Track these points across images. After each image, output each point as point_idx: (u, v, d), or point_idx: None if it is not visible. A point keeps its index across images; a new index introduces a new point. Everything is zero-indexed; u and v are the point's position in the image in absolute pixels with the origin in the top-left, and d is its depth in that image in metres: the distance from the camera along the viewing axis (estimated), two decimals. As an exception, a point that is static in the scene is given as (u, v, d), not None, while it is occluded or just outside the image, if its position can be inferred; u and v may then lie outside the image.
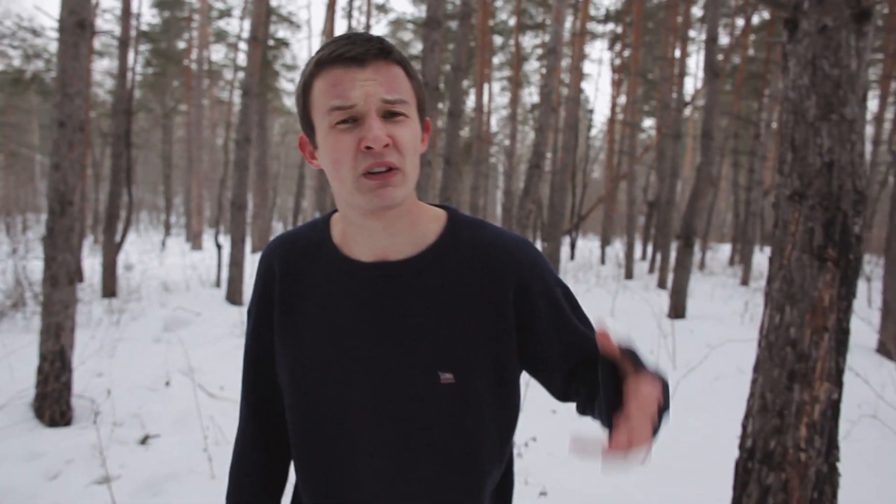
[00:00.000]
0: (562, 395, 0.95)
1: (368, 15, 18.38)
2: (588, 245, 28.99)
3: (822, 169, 2.09)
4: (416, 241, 0.89)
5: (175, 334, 6.27)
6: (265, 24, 13.03)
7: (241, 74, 18.29)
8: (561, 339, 0.90)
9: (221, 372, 4.97)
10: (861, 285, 11.05)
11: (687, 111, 20.02)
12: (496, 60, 22.74)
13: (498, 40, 21.72)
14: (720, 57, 10.22)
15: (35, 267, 7.37)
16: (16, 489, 2.87)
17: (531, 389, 3.57)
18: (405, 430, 0.88)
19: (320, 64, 0.80)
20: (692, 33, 18.69)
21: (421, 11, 20.64)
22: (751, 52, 18.47)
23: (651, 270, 16.49)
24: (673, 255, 11.44)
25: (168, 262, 14.23)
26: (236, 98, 21.37)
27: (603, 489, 3.11)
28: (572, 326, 0.91)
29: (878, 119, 16.51)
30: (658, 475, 3.33)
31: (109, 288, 8.68)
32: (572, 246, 19.28)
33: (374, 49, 0.79)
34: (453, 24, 16.24)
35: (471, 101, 19.25)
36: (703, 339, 6.78)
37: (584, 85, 21.19)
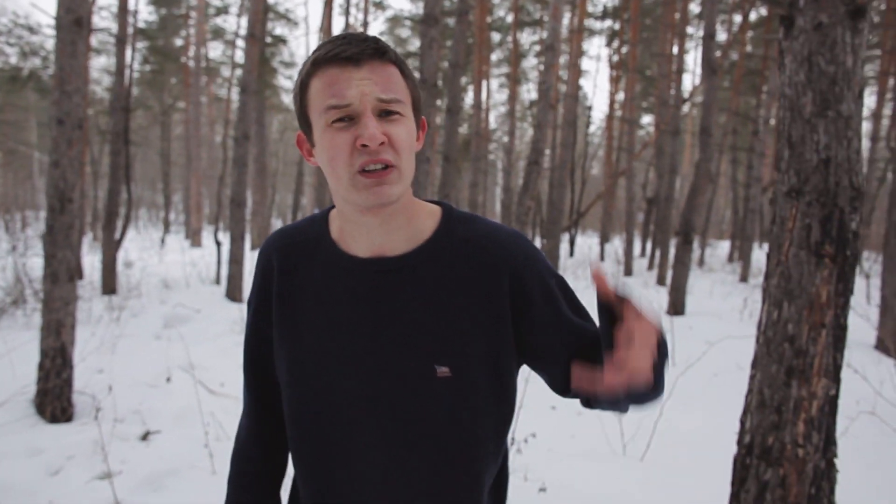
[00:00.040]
0: (563, 388, 0.96)
1: (366, 12, 18.35)
2: (587, 242, 29.01)
3: (818, 165, 2.10)
4: (412, 237, 0.91)
5: (175, 331, 6.28)
6: (262, 21, 13.01)
7: (238, 71, 18.27)
8: (557, 329, 0.91)
9: (222, 369, 4.98)
10: (860, 282, 11.08)
11: (685, 108, 20.04)
12: (494, 57, 22.71)
13: (496, 37, 21.69)
14: (718, 53, 10.23)
15: (35, 264, 7.38)
16: (17, 485, 2.89)
17: (531, 386, 3.59)
18: (402, 422, 0.90)
19: (317, 63, 0.82)
20: (690, 30, 18.67)
21: (418, 8, 20.60)
22: (748, 48, 18.46)
23: (650, 267, 16.51)
24: (672, 251, 11.45)
25: (167, 260, 14.24)
26: (234, 95, 21.36)
27: (602, 484, 3.12)
28: (568, 316, 0.92)
29: (876, 115, 16.53)
30: (656, 470, 3.35)
31: (109, 285, 8.68)
32: (571, 243, 19.29)
33: (369, 49, 0.81)
34: (451, 21, 16.21)
35: (469, 98, 19.25)
36: (701, 335, 6.80)
37: (582, 81, 21.20)
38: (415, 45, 21.91)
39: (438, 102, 8.93)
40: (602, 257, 19.01)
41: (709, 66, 8.80)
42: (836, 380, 2.17)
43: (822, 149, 2.09)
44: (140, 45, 18.95)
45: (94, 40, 16.77)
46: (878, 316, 6.86)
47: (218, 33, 23.10)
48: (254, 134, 14.57)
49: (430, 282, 0.89)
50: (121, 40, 9.13)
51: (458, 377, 0.88)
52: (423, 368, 0.88)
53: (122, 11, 9.18)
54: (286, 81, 22.30)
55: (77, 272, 3.90)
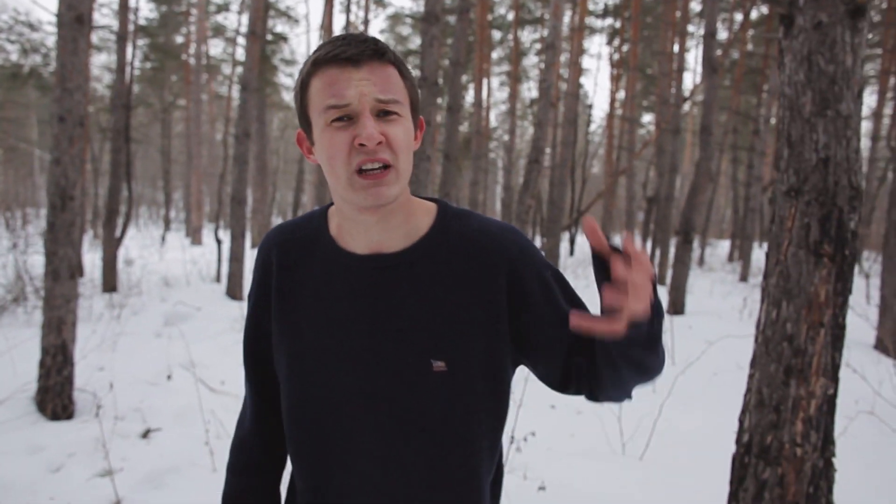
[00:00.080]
0: (561, 383, 0.96)
1: (367, 9, 18.33)
2: (587, 241, 28.98)
3: (817, 165, 2.10)
4: (409, 234, 0.92)
5: (176, 329, 6.29)
6: (263, 18, 13.01)
7: (239, 69, 18.26)
8: (554, 319, 0.92)
9: (222, 367, 4.99)
10: (859, 282, 11.09)
11: (686, 106, 20.02)
12: (495, 55, 22.71)
13: (496, 35, 21.68)
14: (719, 52, 10.22)
15: (35, 261, 7.39)
16: (18, 482, 2.90)
17: (531, 385, 3.59)
18: (398, 416, 0.91)
19: (317, 64, 0.83)
20: (691, 28, 18.67)
21: (419, 6, 20.59)
22: (749, 47, 18.46)
23: (650, 266, 16.46)
24: (672, 250, 11.46)
25: (168, 257, 14.24)
26: (235, 93, 21.35)
27: (601, 483, 3.13)
28: (565, 307, 0.93)
29: (877, 115, 16.52)
30: (656, 469, 3.36)
31: (110, 283, 8.69)
32: (572, 241, 19.30)
33: (368, 50, 0.82)
34: (452, 19, 16.20)
35: (470, 96, 19.24)
36: (701, 334, 6.81)
37: (582, 80, 21.18)
38: (415, 42, 21.90)
39: (439, 100, 8.92)
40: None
41: (709, 64, 8.80)
42: (835, 379, 2.18)
43: (821, 148, 2.10)
44: (141, 42, 18.96)
45: (94, 37, 16.77)
46: (877, 316, 6.87)
47: (219, 30, 23.09)
48: (254, 132, 14.58)
49: (427, 278, 0.90)
50: (122, 37, 9.12)
51: (454, 371, 0.90)
52: (419, 363, 0.89)
53: (123, 8, 9.18)
54: (287, 79, 22.32)
55: (78, 270, 3.91)
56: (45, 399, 3.80)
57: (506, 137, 23.79)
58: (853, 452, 3.43)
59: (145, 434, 3.62)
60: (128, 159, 9.32)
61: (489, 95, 21.35)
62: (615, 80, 19.72)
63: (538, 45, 21.71)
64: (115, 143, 9.20)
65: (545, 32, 19.87)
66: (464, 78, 15.85)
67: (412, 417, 0.91)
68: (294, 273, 0.96)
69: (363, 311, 0.91)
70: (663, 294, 9.97)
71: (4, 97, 21.21)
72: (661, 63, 15.47)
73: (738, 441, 2.35)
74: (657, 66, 17.22)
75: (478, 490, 0.96)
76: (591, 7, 19.44)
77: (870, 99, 16.97)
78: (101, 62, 22.21)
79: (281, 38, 19.84)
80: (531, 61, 23.11)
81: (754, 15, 16.97)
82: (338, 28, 19.12)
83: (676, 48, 15.38)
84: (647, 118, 25.48)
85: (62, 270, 3.81)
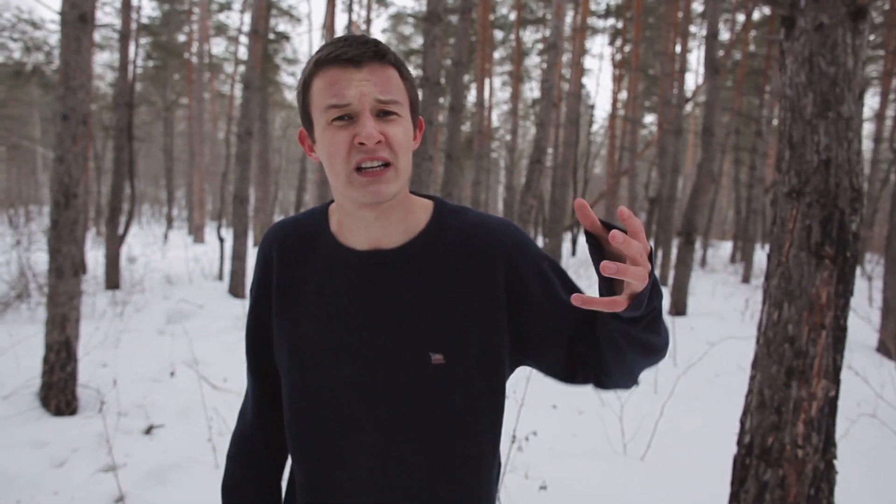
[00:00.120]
0: (568, 372, 0.96)
1: (369, 8, 18.34)
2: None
3: (819, 166, 2.11)
4: (407, 230, 0.94)
5: (178, 326, 6.31)
6: (266, 17, 13.01)
7: (241, 68, 18.27)
8: (554, 309, 0.93)
9: (224, 364, 5.01)
10: (862, 284, 11.08)
11: (688, 107, 20.01)
12: (497, 55, 22.71)
13: (499, 35, 21.68)
14: (721, 53, 10.21)
15: (39, 258, 7.41)
16: (22, 476, 2.92)
17: (532, 384, 3.61)
18: (397, 408, 0.92)
19: (319, 64, 0.86)
20: (693, 29, 18.66)
21: (421, 5, 20.60)
22: (752, 48, 18.43)
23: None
24: (674, 251, 11.46)
25: (170, 255, 14.26)
26: (237, 92, 21.36)
27: (602, 483, 3.14)
28: (564, 297, 0.95)
29: (879, 116, 16.49)
30: (657, 469, 3.37)
31: (113, 280, 8.71)
32: (573, 242, 19.29)
33: (370, 51, 0.84)
34: (454, 19, 16.21)
35: (472, 96, 19.25)
36: (703, 336, 6.81)
37: (584, 80, 21.17)
38: (417, 42, 21.91)
39: (441, 100, 8.93)
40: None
41: (712, 65, 8.80)
42: (836, 381, 2.18)
43: (822, 150, 2.11)
44: (143, 40, 18.96)
45: (97, 36, 16.81)
46: (879, 318, 6.87)
47: (221, 29, 23.11)
48: (257, 130, 14.60)
49: (425, 272, 0.92)
50: (124, 36, 9.15)
51: (452, 364, 0.91)
52: (417, 356, 0.91)
53: (126, 7, 9.20)
54: (289, 78, 22.34)
55: (81, 267, 3.93)
56: (48, 395, 3.82)
57: (508, 137, 23.79)
58: (855, 455, 3.44)
59: (148, 430, 3.63)
60: (130, 157, 9.34)
61: (491, 95, 21.35)
62: (617, 80, 19.72)
63: (540, 45, 21.71)
64: (118, 142, 9.22)
65: (547, 32, 19.87)
66: (466, 78, 15.87)
67: (411, 410, 0.92)
68: (295, 268, 0.98)
69: (363, 306, 0.93)
70: (665, 295, 9.97)
71: (7, 95, 21.24)
72: (664, 64, 15.46)
73: (739, 442, 2.35)
74: (659, 67, 17.22)
75: (477, 484, 0.97)
76: (593, 7, 19.44)
77: (872, 100, 16.96)
78: (103, 60, 22.22)
79: (283, 37, 19.85)
80: (533, 61, 23.12)
81: (756, 16, 16.97)
82: (340, 27, 19.14)
83: (678, 49, 15.36)
84: (650, 119, 25.47)
85: (66, 268, 3.83)
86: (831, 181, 2.09)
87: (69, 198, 3.81)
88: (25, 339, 5.04)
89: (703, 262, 18.29)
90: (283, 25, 21.23)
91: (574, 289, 0.97)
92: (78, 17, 3.80)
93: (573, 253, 19.09)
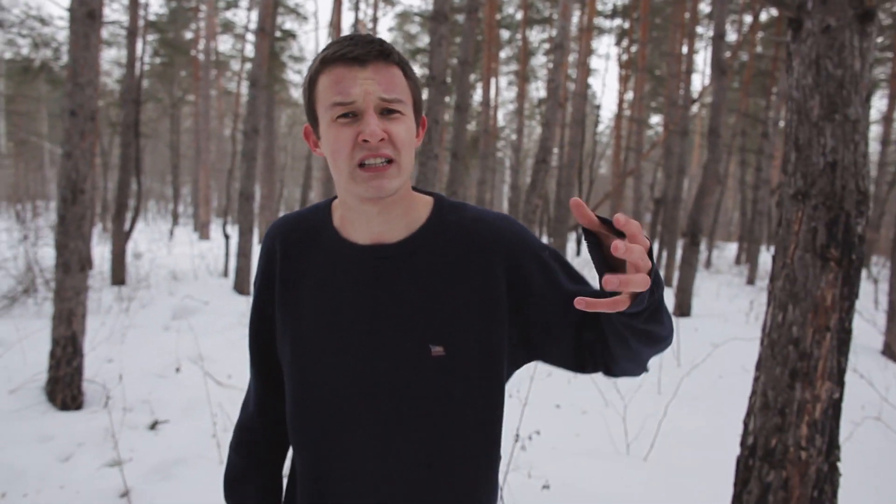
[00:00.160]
0: (577, 362, 0.97)
1: (375, 7, 18.36)
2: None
3: (825, 169, 2.11)
4: (408, 226, 0.96)
5: (183, 322, 6.33)
6: (272, 15, 13.04)
7: (248, 65, 18.32)
8: (557, 298, 0.94)
9: (229, 360, 5.03)
10: (867, 287, 11.04)
11: (694, 108, 19.96)
12: (503, 55, 22.67)
13: (505, 34, 21.64)
14: (728, 54, 10.19)
15: (45, 253, 7.45)
16: (29, 470, 2.94)
17: (536, 383, 3.61)
18: (398, 400, 0.94)
19: (325, 62, 0.87)
20: (700, 30, 18.60)
21: (428, 4, 20.59)
22: (759, 49, 18.36)
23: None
24: (679, 252, 11.43)
25: (176, 252, 14.31)
26: (244, 89, 21.40)
27: (605, 483, 3.15)
28: (568, 286, 0.95)
29: (887, 119, 16.42)
30: (660, 470, 3.37)
31: (119, 276, 8.75)
32: (578, 242, 19.27)
33: (374, 51, 0.86)
34: (460, 18, 16.20)
35: (478, 96, 19.25)
36: (707, 337, 6.80)
37: (591, 80, 21.15)
38: (424, 40, 21.89)
39: (447, 99, 8.94)
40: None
41: (718, 66, 8.78)
42: (840, 383, 2.18)
43: (828, 152, 2.11)
44: (150, 37, 19.02)
45: (105, 33, 16.86)
46: (885, 321, 6.84)
47: (228, 27, 23.14)
48: (263, 128, 14.63)
49: (425, 266, 0.94)
50: (132, 33, 9.18)
51: (452, 356, 0.93)
52: (418, 348, 0.93)
53: (133, 4, 9.23)
54: (295, 76, 22.32)
55: (87, 263, 3.95)
56: (55, 389, 3.84)
57: (513, 137, 23.78)
58: (859, 458, 3.43)
59: (153, 426, 3.66)
60: (137, 154, 9.38)
61: (497, 95, 21.33)
62: (623, 80, 19.67)
63: (546, 45, 21.67)
64: (125, 138, 9.26)
65: (554, 32, 19.83)
66: (472, 77, 15.85)
67: (411, 402, 0.94)
68: (298, 262, 1.00)
69: (364, 299, 0.94)
70: (670, 296, 9.96)
71: (16, 91, 21.34)
72: (670, 64, 15.42)
73: (742, 443, 2.36)
74: (666, 68, 17.18)
75: (477, 478, 0.98)
76: (599, 7, 19.39)
77: (880, 103, 16.89)
78: (111, 57, 22.30)
79: (290, 35, 19.86)
80: (539, 61, 23.07)
81: (764, 17, 16.89)
82: (346, 25, 19.16)
83: (685, 50, 15.33)
84: (656, 119, 25.41)
85: (72, 263, 3.85)
86: (837, 183, 2.09)
87: (76, 193, 3.83)
88: (32, 333, 5.07)
89: (708, 264, 18.25)
90: (289, 23, 21.21)
91: (577, 276, 0.98)
92: (86, 13, 3.83)
93: (578, 253, 19.06)
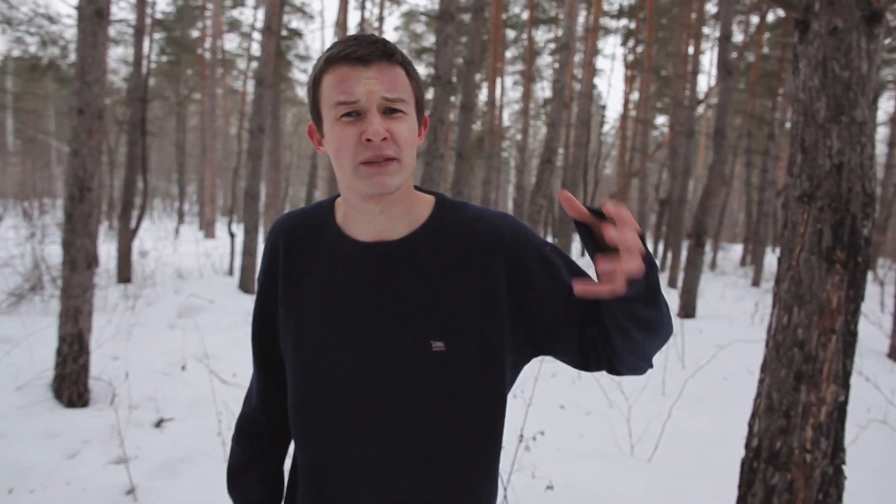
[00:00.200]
0: (581, 358, 0.97)
1: (381, 6, 18.38)
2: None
3: (831, 171, 2.10)
4: (410, 223, 0.97)
5: (189, 320, 6.36)
6: (279, 14, 13.06)
7: (254, 64, 18.34)
8: (560, 292, 0.94)
9: (234, 359, 5.05)
10: (873, 289, 11.00)
11: (700, 109, 19.89)
12: (509, 54, 22.67)
13: (511, 34, 21.64)
14: (734, 55, 10.15)
15: (52, 251, 7.48)
16: (35, 466, 2.96)
17: (540, 384, 3.61)
18: (399, 395, 0.95)
19: (329, 61, 0.89)
20: (706, 30, 18.53)
21: (434, 4, 20.59)
22: (765, 50, 18.30)
23: (662, 269, 16.45)
24: (684, 253, 11.41)
25: (182, 250, 14.36)
26: (250, 88, 21.45)
27: (609, 484, 3.15)
28: (568, 280, 0.96)
29: (894, 120, 16.33)
30: (664, 471, 3.37)
31: (125, 274, 8.79)
32: (583, 242, 19.19)
33: (378, 51, 0.88)
34: (466, 17, 16.19)
35: (483, 95, 19.23)
36: (712, 338, 6.79)
37: (596, 80, 21.09)
38: (429, 40, 21.90)
39: (452, 99, 8.93)
40: (613, 257, 18.88)
41: (724, 67, 8.75)
42: (846, 386, 2.18)
43: (835, 154, 2.10)
44: (157, 35, 19.09)
45: (112, 31, 16.93)
46: (891, 324, 6.81)
47: (234, 25, 23.21)
48: (268, 127, 14.66)
49: (427, 263, 0.95)
50: (139, 31, 9.21)
51: (452, 351, 0.94)
52: (419, 343, 0.94)
53: (141, 2, 9.27)
54: (301, 75, 22.37)
55: (94, 260, 3.98)
56: (61, 386, 3.87)
57: (518, 137, 23.76)
58: (864, 461, 3.42)
59: (159, 423, 3.67)
60: (143, 152, 9.42)
61: (502, 94, 21.33)
62: (629, 81, 19.63)
63: (552, 45, 21.65)
64: (132, 136, 9.29)
65: (559, 32, 19.82)
66: (477, 76, 15.85)
67: (412, 397, 0.95)
68: (301, 259, 1.01)
69: (366, 295, 0.95)
70: (675, 297, 9.94)
71: (23, 88, 21.45)
72: (676, 65, 15.39)
73: (747, 445, 2.35)
74: (671, 68, 17.14)
75: (477, 473, 0.99)
76: (605, 7, 19.36)
77: (887, 104, 16.83)
78: (117, 55, 22.36)
79: (296, 33, 19.90)
80: (545, 61, 23.05)
81: (770, 18, 16.83)
82: (352, 24, 19.16)
83: (691, 50, 15.28)
84: (661, 120, 25.35)
85: (79, 261, 3.87)
86: (843, 185, 2.09)
87: (83, 191, 3.85)
88: (39, 330, 5.10)
89: (713, 265, 18.20)
90: (295, 22, 21.26)
91: (579, 271, 0.98)
92: (94, 12, 3.85)
93: (582, 254, 19.03)
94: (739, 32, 17.81)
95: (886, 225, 17.45)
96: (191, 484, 2.93)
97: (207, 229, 21.13)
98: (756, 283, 13.81)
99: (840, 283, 2.11)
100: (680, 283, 9.83)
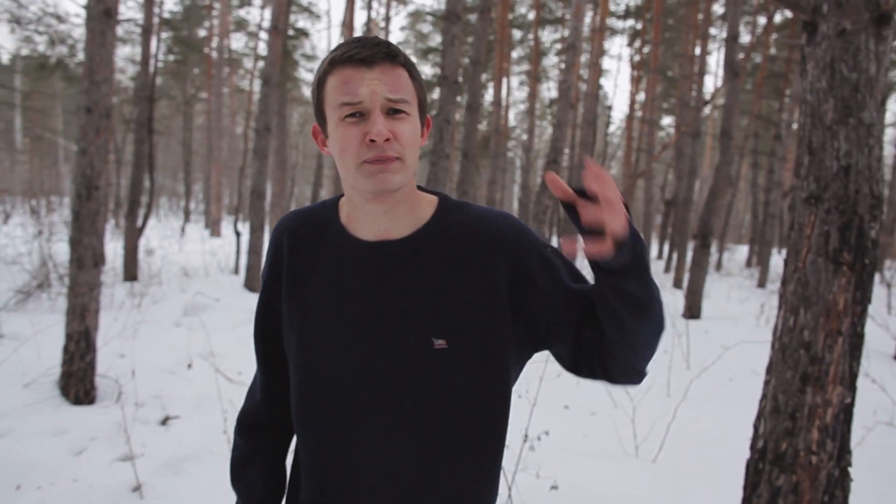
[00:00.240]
0: (574, 360, 0.98)
1: (388, 6, 18.39)
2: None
3: (838, 172, 2.10)
4: (413, 223, 0.98)
5: (195, 318, 6.38)
6: (285, 14, 13.07)
7: (261, 64, 18.40)
8: (560, 293, 0.96)
9: (240, 357, 5.06)
10: (880, 291, 10.94)
11: (706, 110, 19.83)
12: (515, 55, 22.65)
13: (517, 34, 21.62)
14: (741, 55, 10.13)
15: (59, 249, 7.53)
16: (43, 463, 2.98)
17: (545, 384, 3.61)
18: (402, 392, 0.96)
19: (333, 63, 0.90)
20: (713, 31, 18.49)
21: (440, 3, 20.59)
22: (772, 50, 18.23)
23: (667, 270, 16.41)
24: (689, 254, 11.38)
25: (187, 248, 14.42)
26: (256, 87, 21.51)
27: (613, 485, 3.14)
28: (568, 283, 0.97)
29: (903, 122, 16.23)
30: (668, 472, 3.36)
31: (131, 272, 8.83)
32: (588, 242, 19.16)
33: (381, 52, 0.89)
34: (473, 18, 16.19)
35: (489, 95, 19.24)
36: (717, 339, 6.77)
37: (602, 81, 21.07)
38: (435, 40, 21.90)
39: (459, 99, 8.94)
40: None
41: (731, 68, 8.73)
42: (852, 388, 2.17)
43: (842, 156, 2.10)
44: (164, 35, 19.16)
45: (120, 30, 16.99)
46: (897, 325, 6.78)
47: (241, 25, 23.28)
48: (275, 126, 14.68)
49: (430, 262, 0.96)
50: (146, 30, 9.25)
51: (454, 349, 0.95)
52: (421, 341, 0.95)
53: (148, 1, 9.31)
54: (308, 74, 22.40)
55: (101, 258, 4.00)
56: (68, 384, 3.89)
57: (524, 137, 23.76)
58: (870, 463, 3.40)
59: (164, 421, 3.69)
60: (150, 151, 9.45)
61: (508, 95, 21.31)
62: (635, 81, 19.59)
63: (558, 45, 21.62)
64: (139, 135, 9.33)
65: (566, 32, 19.78)
66: (483, 77, 15.83)
67: (414, 394, 0.96)
68: (305, 257, 1.02)
69: (370, 294, 0.96)
70: (680, 298, 9.92)
71: (32, 87, 21.57)
72: (682, 65, 15.34)
73: (752, 447, 2.35)
74: (678, 69, 17.09)
75: (478, 470, 0.99)
76: (612, 8, 19.32)
77: (895, 106, 16.70)
78: (125, 54, 22.48)
79: (302, 33, 19.92)
80: (551, 61, 23.02)
81: (778, 19, 16.76)
82: (359, 24, 19.20)
83: (698, 51, 15.25)
84: (667, 121, 25.29)
85: (86, 259, 3.90)
86: (851, 188, 2.08)
87: (91, 190, 3.87)
88: (46, 328, 5.13)
89: (719, 266, 18.14)
90: (302, 22, 21.29)
91: (578, 275, 0.99)
92: (103, 11, 3.87)
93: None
94: (746, 33, 17.74)
95: (894, 227, 17.35)
96: (196, 482, 2.94)
97: (213, 228, 21.20)
98: (762, 284, 13.76)
99: (847, 285, 2.10)
100: (685, 283, 9.81)
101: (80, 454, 3.17)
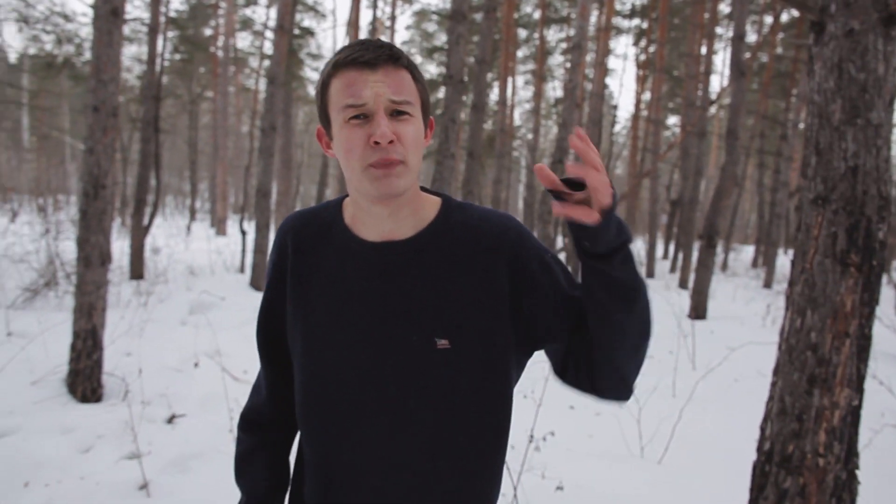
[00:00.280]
0: (563, 364, 0.99)
1: (393, 5, 18.40)
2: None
3: (846, 173, 2.09)
4: (417, 224, 0.99)
5: (201, 317, 6.40)
6: (291, 13, 13.10)
7: (266, 62, 18.42)
8: (557, 297, 0.97)
9: (245, 356, 5.08)
10: (888, 292, 10.89)
11: (712, 109, 19.76)
12: (520, 54, 22.62)
13: (522, 34, 21.58)
14: (747, 55, 10.08)
15: (66, 247, 7.56)
16: (50, 461, 2.99)
17: (550, 384, 3.60)
18: (405, 392, 0.97)
19: (337, 66, 0.91)
20: (719, 30, 18.40)
21: (446, 3, 20.57)
22: (779, 50, 18.14)
23: (672, 270, 16.37)
24: (695, 254, 11.35)
25: (193, 247, 14.46)
26: (262, 86, 21.55)
27: (619, 485, 3.14)
28: (566, 289, 0.98)
29: (911, 122, 16.14)
30: (674, 473, 3.36)
31: (137, 270, 8.86)
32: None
33: (384, 55, 0.90)
34: (478, 17, 16.17)
35: (494, 95, 19.19)
36: (723, 340, 6.75)
37: (608, 80, 21.00)
38: (441, 39, 21.89)
39: (464, 98, 8.93)
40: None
41: (737, 67, 8.69)
42: (860, 390, 2.16)
43: (850, 157, 2.09)
44: (171, 34, 19.21)
45: (126, 29, 17.05)
46: (904, 326, 6.74)
47: (247, 24, 23.30)
48: (280, 125, 14.72)
49: (433, 263, 0.97)
50: (153, 29, 9.28)
51: (456, 349, 0.95)
52: (424, 341, 0.95)
53: (155, 1, 9.33)
54: (313, 73, 22.42)
55: (108, 257, 4.02)
56: (75, 381, 3.91)
57: (530, 136, 23.72)
58: (878, 466, 3.38)
59: (171, 419, 3.71)
60: (156, 149, 9.49)
61: (514, 94, 21.30)
62: (641, 81, 19.53)
63: (564, 45, 21.58)
64: (145, 134, 9.37)
65: (571, 32, 19.75)
66: (489, 76, 15.82)
67: (417, 394, 0.96)
68: (309, 257, 1.03)
69: (373, 294, 0.97)
70: (686, 298, 9.89)
71: (39, 86, 21.65)
72: (688, 65, 15.29)
73: (759, 449, 2.34)
74: (684, 68, 17.03)
75: (480, 469, 1.00)
76: (618, 7, 19.26)
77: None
78: (131, 53, 22.52)
79: (308, 32, 19.95)
80: (556, 60, 22.97)
81: (784, 18, 16.69)
82: (364, 23, 19.19)
83: (704, 50, 15.19)
84: (673, 120, 25.19)
85: (93, 257, 3.91)
86: (858, 188, 2.07)
87: (98, 188, 3.89)
88: (53, 326, 5.15)
89: (725, 266, 18.09)
90: (308, 21, 21.32)
91: (574, 283, 1.00)
92: (110, 10, 3.88)
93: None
94: (753, 33, 17.68)
95: (901, 227, 17.24)
96: (203, 480, 2.96)
97: (219, 227, 21.26)
98: (768, 284, 13.71)
99: (854, 287, 2.09)
100: (691, 284, 9.78)
101: (87, 452, 3.19)
